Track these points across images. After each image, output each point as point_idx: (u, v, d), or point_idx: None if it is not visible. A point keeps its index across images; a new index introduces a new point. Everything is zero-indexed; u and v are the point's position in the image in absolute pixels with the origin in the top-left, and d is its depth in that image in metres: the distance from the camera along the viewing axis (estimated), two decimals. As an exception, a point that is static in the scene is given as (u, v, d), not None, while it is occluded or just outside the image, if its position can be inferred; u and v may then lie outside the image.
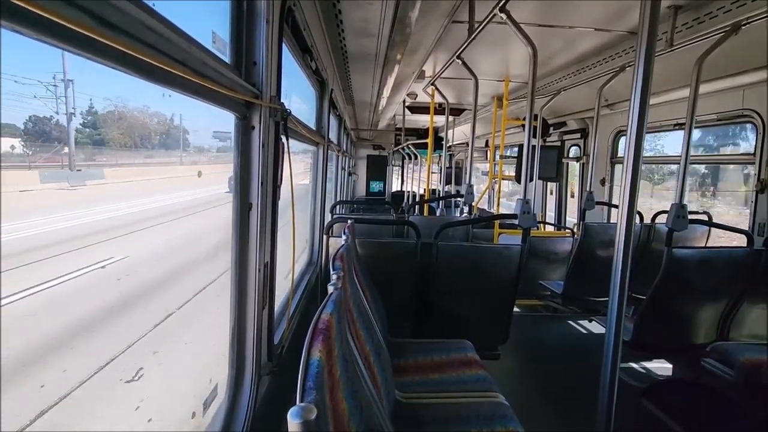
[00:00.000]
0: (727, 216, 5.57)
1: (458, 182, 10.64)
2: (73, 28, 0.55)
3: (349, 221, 2.16)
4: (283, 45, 1.50)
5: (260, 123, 1.29)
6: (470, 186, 3.81)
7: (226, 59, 1.22)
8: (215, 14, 1.28)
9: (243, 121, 1.28)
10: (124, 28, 0.67)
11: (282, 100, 1.44)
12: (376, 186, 11.64)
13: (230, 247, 1.32)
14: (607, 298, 1.54)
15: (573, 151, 5.44)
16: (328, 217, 3.74)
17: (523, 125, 2.40)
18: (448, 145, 5.87)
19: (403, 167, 11.38)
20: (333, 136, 4.78)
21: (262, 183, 1.32)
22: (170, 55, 0.82)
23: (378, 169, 11.59)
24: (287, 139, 1.47)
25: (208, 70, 0.98)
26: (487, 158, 6.75)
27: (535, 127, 4.39)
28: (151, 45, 0.75)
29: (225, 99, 1.13)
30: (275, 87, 1.38)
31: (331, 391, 0.84)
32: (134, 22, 0.70)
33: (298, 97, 3.46)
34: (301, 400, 0.67)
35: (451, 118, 5.30)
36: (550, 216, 6.08)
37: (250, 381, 1.35)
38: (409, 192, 9.54)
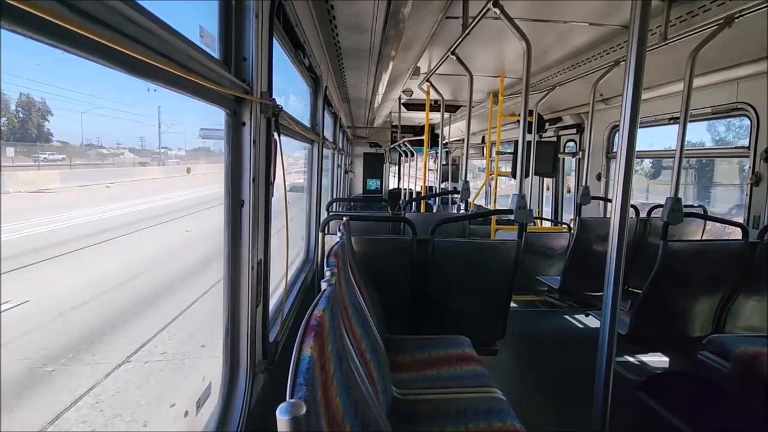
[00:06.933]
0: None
1: (455, 179, 10.64)
2: (49, 18, 0.54)
3: (344, 218, 2.15)
4: (275, 41, 1.49)
5: (251, 119, 1.28)
6: (466, 182, 3.81)
7: (215, 54, 1.21)
8: (204, 9, 1.26)
9: (233, 117, 1.27)
10: (103, 19, 0.66)
11: (276, 100, 1.43)
12: (372, 183, 11.62)
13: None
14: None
15: (569, 147, 5.45)
16: (324, 215, 3.73)
17: (519, 121, 2.40)
18: (444, 142, 5.86)
19: (399, 165, 11.35)
20: (328, 133, 4.76)
21: (253, 180, 1.31)
22: (152, 48, 0.80)
23: (375, 166, 11.56)
24: (279, 136, 1.46)
25: (194, 65, 0.96)
26: (483, 155, 6.74)
27: (530, 123, 4.38)
28: (131, 37, 0.74)
29: (213, 94, 1.12)
30: (266, 83, 1.37)
31: (323, 388, 0.84)
32: (114, 13, 0.68)
33: (295, 96, 3.43)
34: (291, 397, 0.67)
35: (447, 114, 5.29)
36: (547, 212, 6.09)
37: (245, 379, 1.34)
38: (405, 189, 9.52)
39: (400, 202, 7.32)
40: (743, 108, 2.98)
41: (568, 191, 5.72)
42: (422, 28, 2.88)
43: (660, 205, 2.82)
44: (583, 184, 3.89)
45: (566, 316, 4.04)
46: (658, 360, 3.06)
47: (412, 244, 2.39)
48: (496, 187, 4.58)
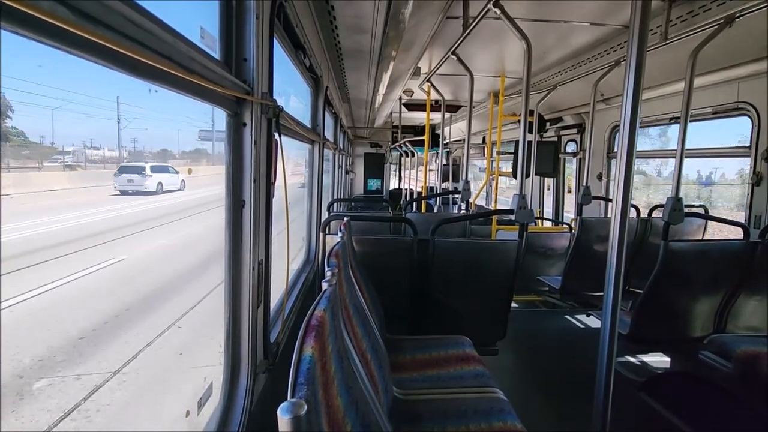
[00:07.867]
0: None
1: (456, 179, 10.64)
2: (50, 20, 0.54)
3: (345, 218, 2.16)
4: (275, 41, 1.49)
5: (252, 120, 1.29)
6: (467, 182, 3.81)
7: (216, 55, 1.21)
8: (204, 10, 1.27)
9: (234, 118, 1.28)
10: (104, 20, 0.66)
11: (277, 101, 1.43)
12: (373, 184, 11.61)
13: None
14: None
15: (570, 147, 5.45)
16: (325, 215, 3.74)
17: (519, 121, 2.40)
18: (444, 142, 5.86)
19: (400, 165, 11.35)
20: (329, 134, 4.77)
21: (254, 180, 1.31)
22: (154, 49, 0.80)
23: (375, 167, 11.56)
24: (280, 136, 1.47)
25: (195, 66, 0.97)
26: (484, 155, 6.75)
27: (531, 123, 4.38)
28: (133, 38, 0.74)
29: (214, 95, 1.12)
30: (267, 83, 1.38)
31: (324, 388, 0.84)
32: (115, 14, 0.69)
33: (296, 97, 3.43)
34: (292, 396, 0.67)
35: (447, 114, 5.28)
36: (548, 212, 6.09)
37: (246, 379, 1.34)
38: (406, 190, 9.52)
39: (401, 203, 7.32)
40: (744, 107, 2.98)
41: (569, 191, 5.72)
42: (422, 29, 2.88)
43: (661, 205, 2.82)
44: (584, 184, 3.89)
45: (567, 317, 4.03)
46: (659, 360, 3.06)
47: (412, 245, 2.39)
48: (496, 188, 4.58)
